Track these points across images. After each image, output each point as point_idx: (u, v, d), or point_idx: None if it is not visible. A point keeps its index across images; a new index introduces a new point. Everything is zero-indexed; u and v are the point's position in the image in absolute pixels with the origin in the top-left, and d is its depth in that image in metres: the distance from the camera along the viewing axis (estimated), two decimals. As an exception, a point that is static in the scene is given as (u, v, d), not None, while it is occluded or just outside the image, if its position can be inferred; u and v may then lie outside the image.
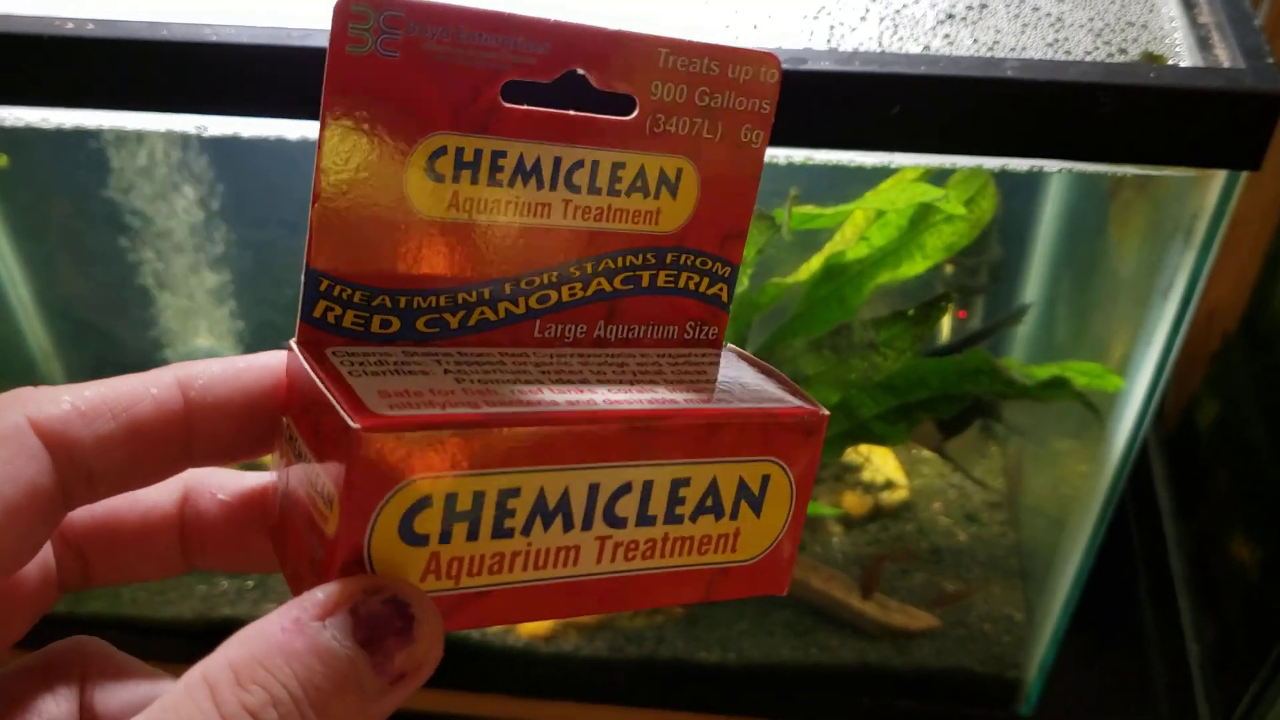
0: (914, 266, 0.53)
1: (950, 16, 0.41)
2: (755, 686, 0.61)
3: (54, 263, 0.67)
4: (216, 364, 0.21)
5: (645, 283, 0.23)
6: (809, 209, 0.51)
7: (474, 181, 0.21)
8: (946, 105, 0.37)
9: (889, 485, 0.68)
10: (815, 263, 0.55)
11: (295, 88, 0.37)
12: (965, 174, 0.51)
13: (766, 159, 0.23)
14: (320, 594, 0.18)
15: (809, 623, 0.62)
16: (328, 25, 0.18)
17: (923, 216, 0.52)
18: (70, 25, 0.38)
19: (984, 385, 0.54)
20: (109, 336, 0.70)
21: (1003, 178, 0.52)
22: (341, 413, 0.18)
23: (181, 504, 0.22)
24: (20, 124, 0.41)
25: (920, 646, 0.62)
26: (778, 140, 0.25)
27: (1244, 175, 0.40)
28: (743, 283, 0.52)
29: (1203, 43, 0.39)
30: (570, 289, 0.23)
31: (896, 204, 0.50)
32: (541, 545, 0.20)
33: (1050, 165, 0.41)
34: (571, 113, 0.21)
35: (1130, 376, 0.49)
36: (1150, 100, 0.36)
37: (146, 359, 0.67)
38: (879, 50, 0.39)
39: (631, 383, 0.22)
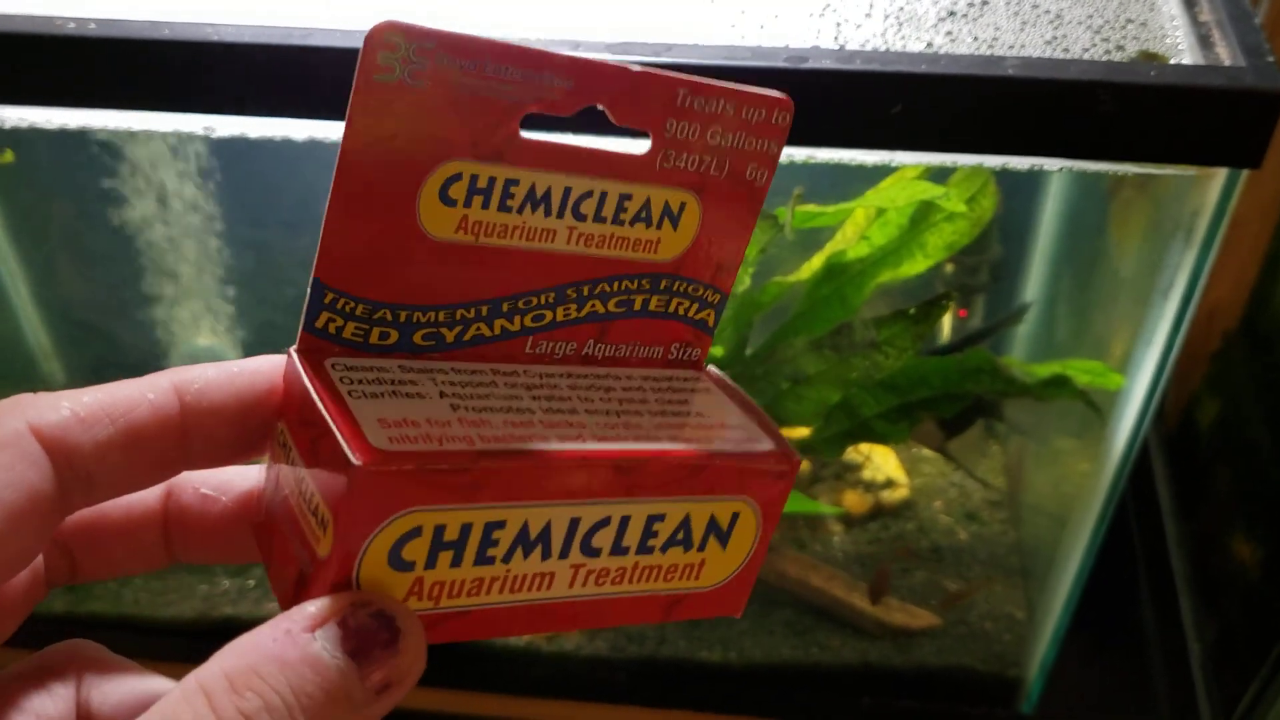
0: (915, 265, 0.53)
1: (952, 14, 0.41)
2: (756, 686, 0.61)
3: (54, 263, 0.67)
4: (212, 369, 0.21)
5: (638, 306, 0.24)
6: (810, 208, 0.51)
7: (485, 207, 0.21)
8: (947, 104, 0.37)
9: (890, 484, 0.68)
10: (816, 262, 0.55)
11: (296, 87, 0.37)
12: (966, 172, 0.51)
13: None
14: (311, 608, 0.18)
15: (809, 622, 0.63)
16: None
17: (924, 215, 0.52)
18: (72, 25, 0.38)
19: (985, 384, 0.54)
20: (109, 337, 0.70)
21: (1003, 176, 0.52)
22: (343, 444, 0.18)
23: (165, 499, 0.23)
24: (24, 124, 0.41)
25: (921, 645, 0.62)
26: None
27: (1244, 174, 0.40)
28: (744, 281, 0.52)
29: (1203, 41, 0.39)
30: (565, 309, 0.23)
31: (897, 202, 0.50)
32: (519, 571, 0.21)
33: (1051, 164, 0.41)
34: (585, 146, 0.21)
35: (1130, 376, 0.49)
36: (1151, 99, 0.36)
37: (147, 359, 0.67)
38: (883, 48, 0.39)
39: (618, 413, 0.22)
